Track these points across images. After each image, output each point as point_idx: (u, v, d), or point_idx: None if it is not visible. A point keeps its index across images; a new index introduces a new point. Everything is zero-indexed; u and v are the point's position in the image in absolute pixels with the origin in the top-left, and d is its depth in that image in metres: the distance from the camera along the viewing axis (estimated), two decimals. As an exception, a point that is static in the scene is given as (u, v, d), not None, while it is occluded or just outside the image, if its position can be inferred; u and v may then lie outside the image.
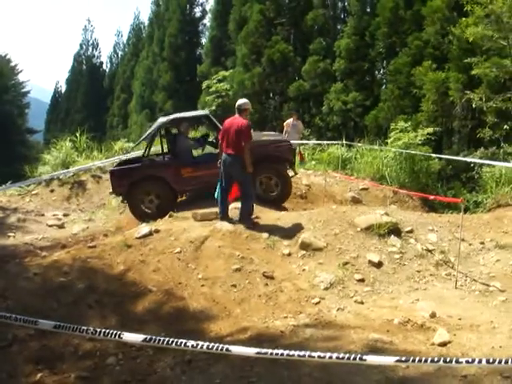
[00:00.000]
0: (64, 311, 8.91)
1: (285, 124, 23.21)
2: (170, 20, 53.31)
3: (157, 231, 11.84)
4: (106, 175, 21.25)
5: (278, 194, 14.27)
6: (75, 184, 20.57)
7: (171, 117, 15.42)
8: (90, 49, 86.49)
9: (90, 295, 9.56)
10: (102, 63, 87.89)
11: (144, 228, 12.09)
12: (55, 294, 9.53)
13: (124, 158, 16.77)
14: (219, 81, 33.67)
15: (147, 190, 14.43)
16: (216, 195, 12.86)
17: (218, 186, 12.76)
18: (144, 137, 15.51)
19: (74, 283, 9.96)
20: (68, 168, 21.02)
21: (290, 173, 14.90)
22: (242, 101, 12.49)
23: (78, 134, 25.05)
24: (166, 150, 15.53)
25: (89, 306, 9.23)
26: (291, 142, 16.95)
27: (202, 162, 14.12)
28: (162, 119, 15.30)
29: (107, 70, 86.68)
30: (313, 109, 34.29)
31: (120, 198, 15.56)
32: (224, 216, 12.27)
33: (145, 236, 11.69)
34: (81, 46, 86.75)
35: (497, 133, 18.19)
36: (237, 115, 12.24)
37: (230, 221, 12.19)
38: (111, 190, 14.96)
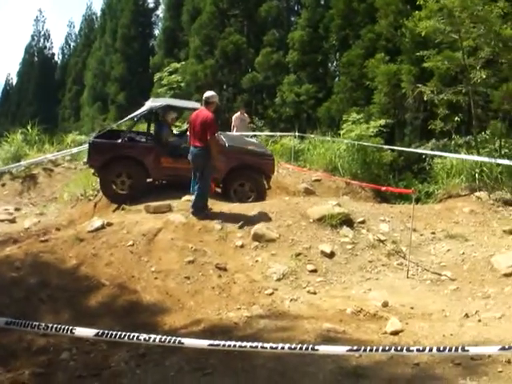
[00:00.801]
0: (16, 307, 8.75)
1: (233, 118, 23.17)
2: (123, 11, 52.94)
3: (109, 224, 11.71)
4: (57, 168, 21.08)
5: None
6: (27, 178, 20.33)
7: (163, 103, 15.18)
8: (42, 40, 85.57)
9: (42, 290, 9.41)
10: (53, 55, 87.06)
11: (96, 221, 11.94)
12: (7, 290, 9.35)
13: (108, 128, 16.23)
14: (171, 73, 33.48)
15: (122, 169, 14.14)
16: (191, 190, 12.91)
17: (193, 181, 12.83)
18: (130, 116, 15.11)
19: (26, 278, 9.79)
20: (19, 161, 20.75)
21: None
22: (209, 93, 12.42)
23: (29, 127, 24.78)
24: (149, 134, 15.49)
25: (41, 301, 9.10)
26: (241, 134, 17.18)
27: (183, 155, 13.85)
28: (153, 103, 15.02)
29: (59, 62, 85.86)
30: (266, 100, 34.44)
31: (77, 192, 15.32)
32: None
33: (97, 229, 11.51)
34: (32, 37, 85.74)
35: (448, 125, 18.38)
36: (203, 107, 12.28)
37: (208, 212, 12.20)
38: (85, 160, 14.59)
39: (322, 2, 33.17)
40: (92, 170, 14.94)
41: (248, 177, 14.30)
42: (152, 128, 15.89)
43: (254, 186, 14.23)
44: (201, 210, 12.12)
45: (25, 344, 7.71)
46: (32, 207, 18.34)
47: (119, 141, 14.21)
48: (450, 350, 4.34)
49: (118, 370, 6.89)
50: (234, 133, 21.86)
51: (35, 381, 6.70)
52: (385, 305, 8.90)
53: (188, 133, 12.53)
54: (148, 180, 14.59)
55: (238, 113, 23.20)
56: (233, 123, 22.80)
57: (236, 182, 14.13)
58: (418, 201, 15.52)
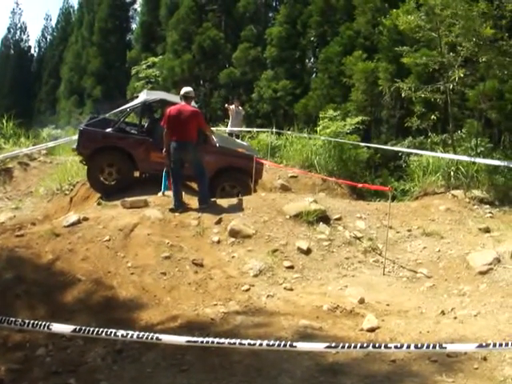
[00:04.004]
0: (-9, 302, 8.72)
1: (230, 108, 23.19)
2: (100, 4, 52.62)
3: (85, 219, 11.63)
4: (33, 162, 20.93)
5: None
6: (2, 172, 20.19)
7: (158, 97, 15.11)
8: (18, 33, 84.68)
9: (18, 285, 9.31)
10: (30, 47, 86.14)
11: (72, 216, 11.87)
12: (-18, 285, 9.30)
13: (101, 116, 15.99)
14: (149, 67, 33.37)
15: (111, 160, 14.05)
16: (164, 189, 12.89)
17: (165, 179, 12.83)
18: (123, 108, 14.98)
19: (1, 273, 9.70)
20: (-6, 155, 20.57)
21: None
22: (188, 88, 12.64)
23: (4, 120, 24.58)
24: (141, 127, 15.32)
25: (17, 297, 9.01)
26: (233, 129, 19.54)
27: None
28: (147, 96, 14.89)
29: (35, 55, 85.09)
30: (243, 96, 34.32)
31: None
32: (180, 204, 12.21)
33: (73, 224, 11.43)
34: (8, 29, 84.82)
35: (424, 122, 18.46)
36: (183, 102, 12.40)
37: (186, 208, 12.23)
38: (75, 147, 14.38)
39: (301, -2, 33.15)
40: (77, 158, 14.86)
41: (238, 179, 14.35)
42: (144, 121, 15.82)
43: (243, 188, 14.21)
44: (208, 198, 12.50)
45: (0, 340, 7.66)
46: (7, 201, 18.22)
47: (110, 131, 14.15)
48: (427, 347, 4.35)
49: (95, 366, 6.89)
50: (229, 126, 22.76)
51: (11, 376, 6.68)
52: (361, 301, 8.94)
53: (165, 127, 12.36)
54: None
55: (233, 105, 23.20)
56: (230, 113, 22.97)
57: (226, 183, 14.21)
58: (394, 198, 15.56)
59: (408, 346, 4.61)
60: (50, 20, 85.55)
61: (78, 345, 7.47)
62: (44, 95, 70.94)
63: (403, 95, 17.37)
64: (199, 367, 6.66)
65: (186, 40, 36.86)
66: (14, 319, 4.62)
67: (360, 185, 15.14)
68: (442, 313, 8.49)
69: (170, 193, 12.61)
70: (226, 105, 23.95)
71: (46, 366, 7.01)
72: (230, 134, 22.19)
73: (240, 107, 23.95)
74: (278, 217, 11.85)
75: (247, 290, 9.40)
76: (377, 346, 4.61)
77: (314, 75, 32.25)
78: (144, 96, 14.79)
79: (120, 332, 4.54)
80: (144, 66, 33.01)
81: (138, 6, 52.97)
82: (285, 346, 4.51)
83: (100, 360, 7.03)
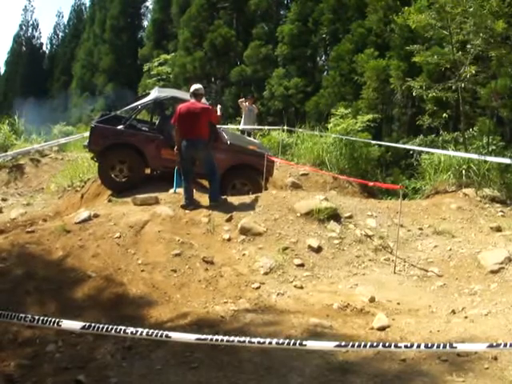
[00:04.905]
0: (2, 298, 8.69)
1: (243, 106, 23.08)
2: (112, 1, 52.79)
3: (96, 216, 11.64)
4: (44, 159, 20.98)
5: None
6: (13, 168, 20.23)
7: (169, 94, 15.10)
8: (30, 30, 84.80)
9: (28, 282, 9.30)
10: (42, 44, 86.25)
11: (83, 213, 11.88)
12: (-7, 281, 9.32)
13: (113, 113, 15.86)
14: (160, 64, 33.47)
15: (122, 157, 13.96)
16: (175, 186, 12.88)
17: (177, 177, 12.80)
18: (135, 105, 14.87)
19: (12, 269, 9.69)
20: (6, 151, 20.62)
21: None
22: (198, 85, 12.62)
23: (16, 117, 24.62)
24: (152, 124, 15.45)
25: (27, 293, 9.02)
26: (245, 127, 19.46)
27: None
28: (158, 93, 14.80)
29: (47, 52, 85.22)
30: (254, 94, 34.32)
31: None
32: (191, 201, 12.21)
33: (84, 221, 11.44)
34: (20, 26, 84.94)
35: (436, 121, 18.45)
36: (193, 100, 12.35)
37: (197, 205, 12.24)
38: (86, 144, 14.37)
39: (312, -4, 33.08)
40: (89, 155, 14.92)
41: (248, 177, 14.33)
42: (155, 118, 15.82)
43: (254, 187, 14.16)
44: (218, 195, 12.48)
45: (10, 335, 7.66)
46: (19, 198, 18.29)
47: (122, 127, 14.07)
48: (438, 346, 4.33)
49: (104, 363, 6.87)
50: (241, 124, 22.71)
51: (21, 372, 6.67)
52: (371, 300, 8.91)
53: (176, 125, 12.33)
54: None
55: (247, 102, 23.04)
56: (242, 110, 22.87)
57: (237, 180, 14.22)
58: (405, 196, 15.52)
59: (418, 346, 4.60)
60: (62, 17, 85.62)
61: (88, 341, 7.46)
62: (56, 92, 71.07)
63: (414, 94, 17.35)
64: (208, 365, 6.64)
65: (197, 37, 36.92)
66: (24, 315, 4.63)
67: (371, 183, 15.09)
68: (453, 312, 8.46)
69: (181, 190, 12.61)
70: (240, 100, 23.82)
71: (56, 362, 7.00)
72: (242, 132, 22.12)
73: (254, 105, 23.81)
74: (289, 215, 11.81)
75: (257, 287, 9.38)
76: (387, 344, 4.60)
77: (325, 73, 32.26)
78: (155, 93, 14.72)
79: (130, 329, 4.54)
80: (156, 63, 33.13)
81: (149, 4, 53.38)
82: (294, 344, 4.49)
83: (109, 357, 7.02)
